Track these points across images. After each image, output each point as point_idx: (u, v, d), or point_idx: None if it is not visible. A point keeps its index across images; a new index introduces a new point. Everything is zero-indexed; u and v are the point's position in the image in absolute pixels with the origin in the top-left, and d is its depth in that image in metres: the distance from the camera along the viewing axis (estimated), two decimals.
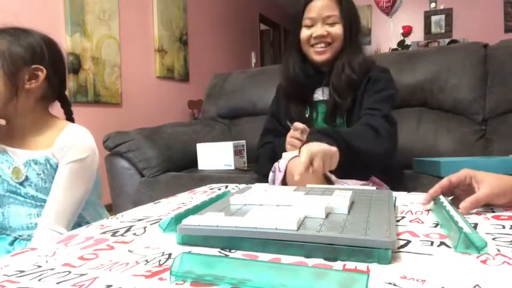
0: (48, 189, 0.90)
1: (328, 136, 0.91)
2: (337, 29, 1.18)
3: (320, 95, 1.26)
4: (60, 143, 0.90)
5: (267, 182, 1.11)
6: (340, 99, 1.18)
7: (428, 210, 0.65)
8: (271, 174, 1.10)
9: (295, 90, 1.25)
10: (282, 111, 1.30)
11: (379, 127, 1.05)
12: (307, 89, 1.25)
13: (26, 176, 0.89)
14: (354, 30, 1.20)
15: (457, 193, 0.68)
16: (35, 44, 0.88)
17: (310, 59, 1.23)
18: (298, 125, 1.10)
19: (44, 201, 0.91)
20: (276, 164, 1.07)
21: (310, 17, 1.19)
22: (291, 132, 1.14)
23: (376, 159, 1.05)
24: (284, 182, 1.02)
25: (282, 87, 1.31)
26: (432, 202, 0.66)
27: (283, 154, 1.08)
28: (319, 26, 1.18)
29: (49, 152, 0.90)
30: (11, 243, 0.92)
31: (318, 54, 1.19)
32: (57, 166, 0.90)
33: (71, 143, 0.90)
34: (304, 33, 1.21)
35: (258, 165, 1.40)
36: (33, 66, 0.87)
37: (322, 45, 1.19)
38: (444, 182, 0.66)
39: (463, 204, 0.60)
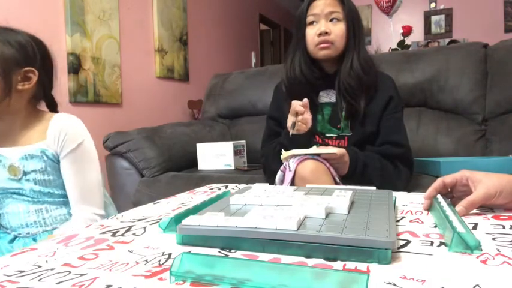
0: (47, 181, 0.91)
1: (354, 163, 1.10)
2: (340, 28, 1.18)
3: (325, 97, 1.26)
4: (52, 134, 0.91)
5: (272, 183, 1.11)
6: (354, 101, 1.18)
7: (428, 211, 0.65)
8: (279, 173, 1.09)
9: (300, 91, 1.22)
10: (285, 113, 1.24)
11: (402, 174, 1.17)
12: (312, 91, 1.25)
13: (24, 172, 0.90)
14: (357, 29, 1.20)
15: (457, 195, 0.67)
16: (27, 45, 0.88)
17: (315, 58, 1.22)
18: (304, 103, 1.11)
19: (44, 195, 0.92)
20: (285, 163, 1.06)
21: (314, 14, 1.19)
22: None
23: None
24: (293, 183, 1.02)
25: (286, 88, 1.29)
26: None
27: (295, 151, 1.07)
28: (322, 22, 1.18)
29: (43, 144, 0.91)
30: (11, 241, 0.92)
31: (322, 50, 1.19)
32: (53, 156, 0.91)
33: (63, 134, 0.91)
34: (309, 33, 1.21)
35: (264, 162, 1.33)
36: (26, 68, 0.87)
37: (326, 44, 1.18)
38: (438, 182, 0.66)
39: (458, 208, 0.59)
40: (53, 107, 1.00)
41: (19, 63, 0.86)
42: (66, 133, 0.91)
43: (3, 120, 0.91)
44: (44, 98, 0.97)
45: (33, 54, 0.89)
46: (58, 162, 0.93)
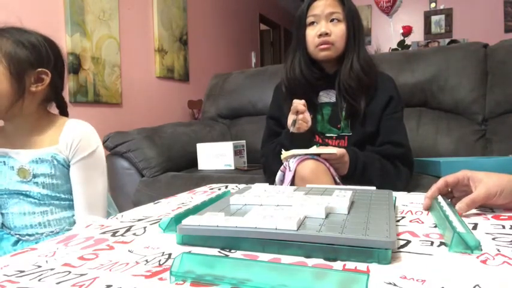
0: (55, 185, 0.91)
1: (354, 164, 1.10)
2: (340, 29, 1.18)
3: (325, 97, 1.26)
4: (65, 140, 0.91)
5: (272, 183, 1.11)
6: (354, 101, 1.18)
7: (428, 211, 0.65)
8: (279, 173, 1.09)
9: (300, 91, 1.22)
10: (285, 113, 1.24)
11: (402, 174, 1.17)
12: (312, 91, 1.24)
13: (33, 175, 0.90)
14: (357, 30, 1.20)
15: (457, 195, 0.67)
16: (40, 46, 0.87)
17: (315, 58, 1.22)
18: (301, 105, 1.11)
19: (51, 198, 0.92)
20: (285, 163, 1.06)
21: (314, 14, 1.19)
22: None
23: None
24: (293, 183, 1.02)
25: (286, 88, 1.28)
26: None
27: (295, 151, 1.06)
28: (322, 23, 1.18)
29: (54, 148, 0.91)
30: (15, 244, 0.92)
31: (322, 51, 1.19)
32: (64, 161, 0.91)
33: (77, 141, 0.91)
34: (309, 33, 1.21)
35: (264, 162, 1.32)
36: (39, 69, 0.87)
37: (326, 45, 1.18)
38: (440, 182, 0.66)
39: (458, 206, 0.59)
40: (63, 109, 1.00)
41: (32, 64, 0.86)
42: (80, 140, 0.91)
43: (13, 123, 0.91)
44: (54, 99, 0.97)
45: (46, 55, 0.88)
46: (68, 167, 0.93)
